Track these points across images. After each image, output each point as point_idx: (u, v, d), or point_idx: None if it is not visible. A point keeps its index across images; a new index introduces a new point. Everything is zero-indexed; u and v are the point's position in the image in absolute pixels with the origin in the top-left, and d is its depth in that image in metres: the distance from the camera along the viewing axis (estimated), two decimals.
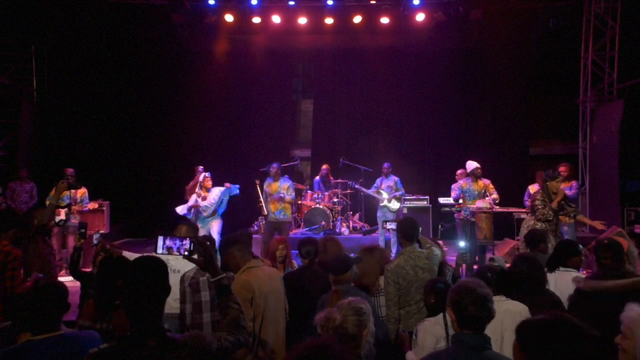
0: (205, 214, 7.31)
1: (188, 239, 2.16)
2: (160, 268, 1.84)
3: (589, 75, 10.00)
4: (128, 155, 11.07)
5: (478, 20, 9.72)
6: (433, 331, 2.83)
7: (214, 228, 7.34)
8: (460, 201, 7.46)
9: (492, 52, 10.53)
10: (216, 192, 7.43)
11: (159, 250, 2.14)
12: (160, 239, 2.15)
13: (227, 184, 7.56)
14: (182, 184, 9.20)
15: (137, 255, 3.88)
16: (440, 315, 2.87)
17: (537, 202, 5.70)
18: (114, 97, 10.98)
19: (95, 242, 3.99)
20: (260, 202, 7.62)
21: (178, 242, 2.13)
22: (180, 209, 7.61)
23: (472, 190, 7.40)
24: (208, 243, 2.18)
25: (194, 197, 7.45)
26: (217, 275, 2.12)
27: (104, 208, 8.81)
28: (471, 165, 7.55)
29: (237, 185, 7.61)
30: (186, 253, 2.11)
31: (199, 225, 7.26)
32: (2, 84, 9.77)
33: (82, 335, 2.40)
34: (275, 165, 7.57)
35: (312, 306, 3.11)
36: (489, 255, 7.65)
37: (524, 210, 7.72)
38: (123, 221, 10.44)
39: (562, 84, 11.20)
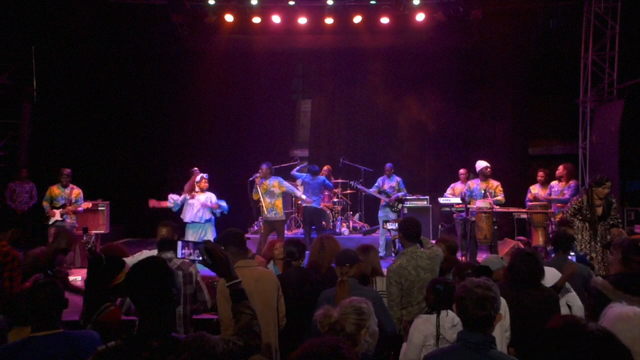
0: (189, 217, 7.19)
1: (193, 244, 2.14)
2: (162, 270, 1.83)
3: (589, 75, 9.99)
4: (128, 155, 11.07)
5: (478, 20, 9.72)
6: (422, 328, 2.85)
7: (209, 233, 7.28)
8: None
9: (492, 52, 10.52)
10: (206, 198, 7.25)
11: (179, 255, 2.14)
12: (179, 244, 2.14)
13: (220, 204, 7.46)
14: (182, 184, 9.17)
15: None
16: (435, 314, 2.88)
17: (572, 204, 5.65)
18: (114, 97, 10.98)
19: (84, 239, 4.00)
20: (261, 201, 7.63)
21: (192, 248, 2.12)
22: (171, 201, 7.27)
23: (479, 190, 7.45)
24: (222, 247, 2.14)
25: (184, 197, 7.30)
26: (232, 280, 2.08)
27: (103, 208, 8.79)
28: (480, 164, 7.59)
29: (226, 207, 7.51)
30: (200, 258, 2.09)
31: (190, 232, 7.18)
32: (2, 84, 9.76)
33: (82, 334, 2.42)
34: (264, 165, 7.54)
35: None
36: (484, 256, 7.65)
37: (524, 210, 7.73)
38: (123, 221, 10.43)
39: (562, 84, 11.18)
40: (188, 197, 7.20)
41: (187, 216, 7.18)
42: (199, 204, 7.16)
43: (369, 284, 3.71)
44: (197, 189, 7.27)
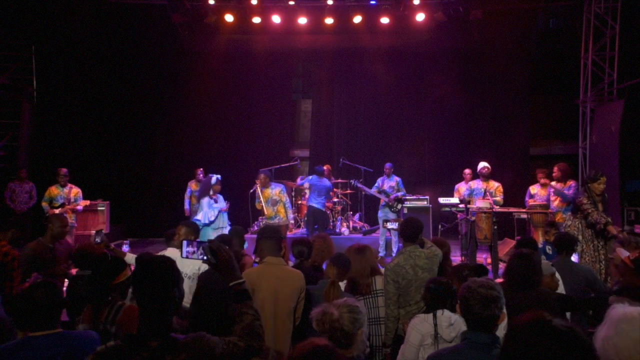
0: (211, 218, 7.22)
1: (197, 243, 2.12)
2: (163, 269, 1.80)
3: (589, 75, 9.98)
4: (128, 155, 11.07)
5: (478, 20, 9.70)
6: (419, 327, 2.85)
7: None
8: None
9: (492, 52, 10.52)
10: (222, 204, 7.33)
11: (183, 255, 2.12)
12: (184, 243, 2.12)
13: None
14: (182, 184, 9.17)
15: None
16: (432, 313, 2.88)
17: (585, 207, 5.51)
18: (114, 97, 10.99)
19: (99, 240, 4.00)
20: (261, 201, 7.63)
21: (195, 247, 2.10)
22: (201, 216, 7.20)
23: (479, 190, 7.49)
24: (227, 247, 2.12)
25: (206, 200, 7.22)
26: (235, 280, 2.06)
27: (103, 208, 8.79)
28: (479, 165, 7.65)
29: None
30: (204, 258, 2.07)
31: (212, 231, 7.22)
32: (2, 84, 9.76)
33: (80, 334, 2.41)
34: (261, 174, 7.54)
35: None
36: (485, 256, 7.67)
37: (524, 210, 7.72)
38: (123, 221, 10.44)
39: (562, 84, 11.19)
40: (212, 202, 7.16)
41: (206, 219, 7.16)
42: (216, 211, 7.15)
43: (364, 287, 3.66)
44: (210, 191, 7.26)
